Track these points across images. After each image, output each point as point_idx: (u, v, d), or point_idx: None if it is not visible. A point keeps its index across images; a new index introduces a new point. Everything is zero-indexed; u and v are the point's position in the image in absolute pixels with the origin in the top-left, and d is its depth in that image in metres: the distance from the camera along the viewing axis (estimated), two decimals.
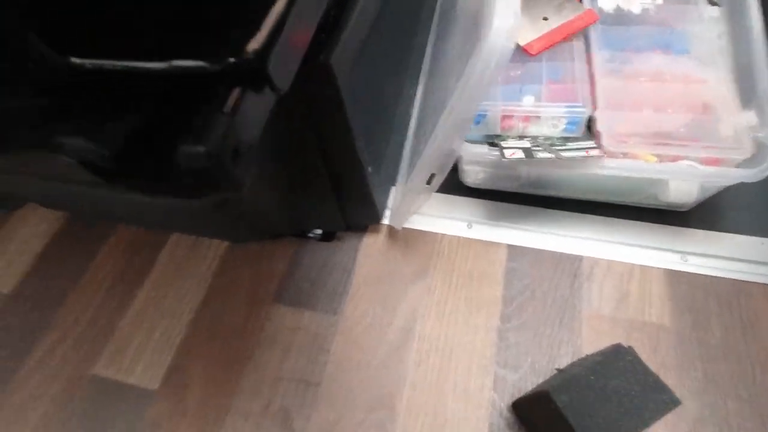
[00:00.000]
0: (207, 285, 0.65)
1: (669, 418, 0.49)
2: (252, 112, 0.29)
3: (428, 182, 0.53)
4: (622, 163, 0.50)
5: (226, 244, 0.68)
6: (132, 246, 0.70)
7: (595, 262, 0.61)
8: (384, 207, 0.67)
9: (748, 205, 0.62)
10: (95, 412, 0.56)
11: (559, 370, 0.45)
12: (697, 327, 0.55)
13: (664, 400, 0.37)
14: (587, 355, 0.46)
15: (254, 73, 0.28)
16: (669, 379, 0.52)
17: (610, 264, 0.60)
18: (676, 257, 0.60)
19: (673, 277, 0.59)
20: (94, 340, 0.62)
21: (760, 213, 0.61)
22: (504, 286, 0.60)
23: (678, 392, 0.51)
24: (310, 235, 0.68)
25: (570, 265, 0.61)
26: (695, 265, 0.59)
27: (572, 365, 0.45)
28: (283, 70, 0.31)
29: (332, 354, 0.57)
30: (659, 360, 0.53)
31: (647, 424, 0.36)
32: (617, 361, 0.39)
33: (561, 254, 0.62)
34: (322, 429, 0.52)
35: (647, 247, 0.61)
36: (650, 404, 0.37)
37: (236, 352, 0.59)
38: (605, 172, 0.50)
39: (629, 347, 0.40)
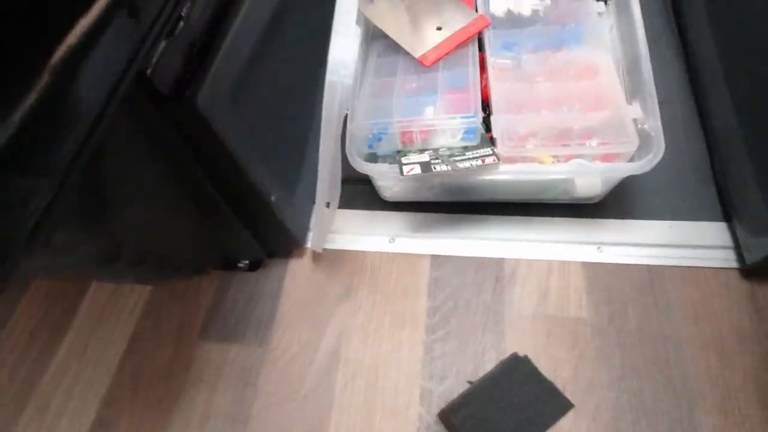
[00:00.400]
0: (131, 329, 0.63)
1: (589, 409, 0.50)
2: None
3: (327, 206, 0.52)
4: (517, 168, 0.51)
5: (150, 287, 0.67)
6: (52, 294, 0.67)
7: (516, 263, 0.62)
8: (307, 230, 0.66)
9: (655, 191, 0.63)
10: None
11: (470, 383, 0.45)
12: (615, 316, 0.57)
13: (558, 406, 0.37)
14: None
15: None
16: (587, 371, 0.53)
17: (531, 263, 0.61)
18: (592, 249, 0.61)
19: (590, 269, 0.60)
20: (14, 399, 0.59)
21: (666, 197, 0.63)
22: (428, 297, 0.60)
23: (596, 382, 0.52)
24: (240, 265, 0.67)
25: (492, 269, 0.61)
26: (610, 255, 0.60)
27: (479, 379, 0.45)
28: None
29: (259, 388, 0.56)
30: (577, 353, 0.54)
31: (543, 429, 0.37)
32: (514, 372, 0.39)
33: (483, 258, 0.62)
34: None
35: (565, 242, 0.62)
36: (546, 411, 0.37)
37: (162, 395, 0.57)
38: (502, 177, 0.51)
39: (525, 356, 0.40)
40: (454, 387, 0.54)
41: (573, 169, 0.50)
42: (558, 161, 0.52)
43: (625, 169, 0.50)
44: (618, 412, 0.51)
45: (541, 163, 0.52)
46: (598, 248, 0.61)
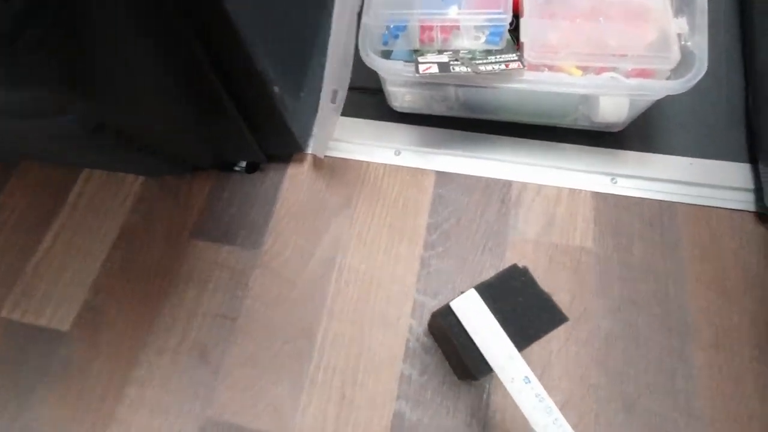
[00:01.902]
0: (121, 222, 0.61)
1: (581, 335, 0.50)
2: None
3: (333, 100, 0.48)
4: (541, 77, 0.47)
5: (141, 179, 0.64)
6: (39, 183, 0.65)
7: (524, 186, 0.59)
8: (309, 135, 0.63)
9: (681, 125, 0.60)
10: (5, 355, 0.54)
11: (462, 293, 0.44)
12: (620, 248, 0.55)
13: (553, 318, 0.36)
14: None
15: None
16: (585, 299, 0.52)
17: (540, 188, 0.59)
18: (606, 179, 0.58)
19: (601, 199, 0.58)
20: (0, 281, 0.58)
21: (691, 132, 0.59)
22: (430, 213, 0.58)
23: (592, 310, 0.51)
24: (236, 168, 0.63)
25: (499, 191, 0.59)
26: (624, 187, 0.58)
27: (474, 285, 0.44)
28: None
29: (251, 288, 0.55)
30: (577, 281, 0.53)
31: (534, 339, 0.36)
32: (511, 280, 0.38)
33: (490, 179, 0.60)
34: (239, 361, 0.52)
35: (578, 170, 0.59)
36: (540, 320, 0.36)
37: (151, 289, 0.56)
38: (524, 86, 0.46)
39: (524, 267, 0.39)
40: (446, 302, 0.53)
41: (603, 83, 0.46)
42: (586, 74, 0.48)
43: (661, 87, 0.46)
44: (610, 340, 0.51)
45: (569, 75, 0.48)
46: (612, 179, 0.58)
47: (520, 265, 0.39)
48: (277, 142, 0.58)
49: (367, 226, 0.58)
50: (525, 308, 0.36)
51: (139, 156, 0.54)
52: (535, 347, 0.39)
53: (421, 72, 0.46)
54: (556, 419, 0.35)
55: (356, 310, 0.53)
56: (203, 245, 0.58)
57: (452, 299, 0.39)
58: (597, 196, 0.58)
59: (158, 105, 0.46)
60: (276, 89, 0.49)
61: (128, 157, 0.58)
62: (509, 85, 0.47)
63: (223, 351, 0.52)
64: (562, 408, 0.47)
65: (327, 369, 0.51)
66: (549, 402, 0.35)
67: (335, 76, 0.46)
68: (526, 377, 0.36)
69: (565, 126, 0.60)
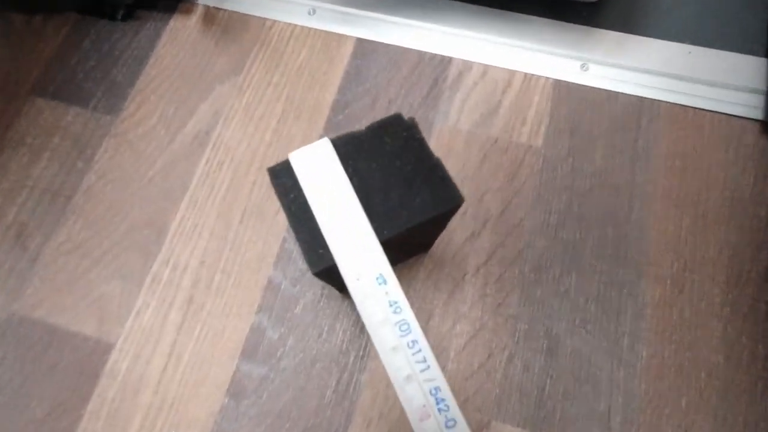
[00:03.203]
0: None
1: (508, 255, 0.38)
2: None
3: None
4: None
5: None
6: None
7: (466, 65, 0.45)
8: None
9: (680, 1, 0.45)
10: None
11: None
12: (576, 152, 0.42)
13: (442, 197, 0.24)
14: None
15: None
16: (519, 209, 0.40)
17: (487, 70, 0.45)
18: (575, 65, 0.45)
19: (564, 89, 0.44)
20: None
21: (692, 11, 0.45)
22: (340, 89, 0.45)
23: (526, 224, 0.40)
24: (105, 10, 0.49)
25: (434, 69, 0.45)
26: (596, 76, 0.44)
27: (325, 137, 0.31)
28: None
29: (96, 162, 0.43)
30: (514, 188, 0.41)
31: (407, 224, 0.24)
32: (388, 136, 0.25)
33: (425, 53, 0.46)
34: (65, 249, 0.40)
35: (539, 51, 0.45)
36: (422, 200, 0.24)
37: None
38: None
39: (411, 119, 0.26)
40: None
41: None
42: None
43: None
44: (543, 262, 0.39)
45: None
46: (583, 65, 0.44)
47: (406, 118, 0.26)
48: None
49: (258, 98, 0.45)
50: (401, 177, 0.24)
51: None
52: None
53: None
54: (414, 341, 0.24)
55: (225, 198, 0.41)
56: (45, 104, 0.45)
57: None
58: (559, 85, 0.44)
59: None
60: None
61: None
62: None
63: (47, 235, 0.41)
64: (466, 343, 0.37)
65: (176, 267, 0.39)
66: (408, 315, 0.24)
67: None
68: (381, 276, 0.24)
69: None
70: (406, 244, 0.30)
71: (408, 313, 0.23)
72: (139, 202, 0.41)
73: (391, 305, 0.23)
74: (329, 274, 0.26)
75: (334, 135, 0.43)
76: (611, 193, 0.41)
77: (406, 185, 0.25)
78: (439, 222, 0.27)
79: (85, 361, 0.37)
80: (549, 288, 0.38)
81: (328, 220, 0.24)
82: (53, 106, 0.45)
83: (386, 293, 0.24)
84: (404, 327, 0.23)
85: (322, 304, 0.38)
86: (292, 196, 0.25)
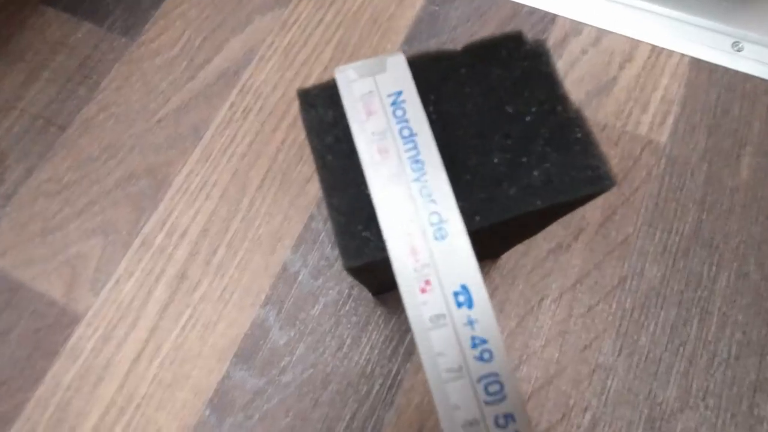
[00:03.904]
0: None
1: (606, 280, 0.28)
2: None
3: None
4: None
5: None
6: None
7: (575, 27, 0.35)
8: None
9: None
10: None
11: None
12: (714, 155, 0.31)
13: (584, 169, 0.14)
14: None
15: None
16: (629, 224, 0.30)
17: (601, 35, 0.34)
18: (725, 42, 0.33)
19: (704, 72, 0.33)
20: None
21: None
22: (406, 39, 0.35)
23: (640, 250, 0.29)
24: None
25: (531, 26, 0.35)
26: (751, 60, 0.33)
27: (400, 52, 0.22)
28: None
29: (101, 91, 0.35)
30: (625, 192, 0.30)
31: (536, 203, 0.14)
32: (496, 62, 0.16)
33: (522, 6, 0.35)
34: (45, 191, 0.33)
35: (678, 19, 0.34)
36: (550, 168, 0.15)
37: None
38: None
39: (538, 41, 0.16)
40: None
41: None
42: None
43: None
44: (653, 299, 0.28)
45: None
46: (735, 44, 0.33)
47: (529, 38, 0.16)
48: None
49: (303, 39, 0.36)
50: (514, 132, 0.14)
51: None
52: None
53: None
54: (507, 415, 0.14)
55: (245, 155, 0.33)
56: (54, 16, 0.38)
57: None
58: (699, 65, 0.33)
59: None
60: None
61: None
62: None
63: (29, 170, 0.33)
64: (534, 392, 0.27)
65: (173, 232, 0.31)
66: (502, 371, 0.14)
67: None
68: (465, 289, 0.15)
69: None
70: (489, 240, 0.20)
71: (501, 366, 0.14)
72: (142, 145, 0.33)
73: (475, 345, 0.14)
74: (370, 272, 0.17)
75: None
76: (760, 218, 0.30)
77: (520, 145, 0.15)
78: (556, 213, 0.17)
79: (45, 333, 0.29)
80: (658, 336, 0.28)
81: (383, 187, 0.15)
82: (63, 19, 0.38)
83: (469, 323, 0.14)
84: (493, 387, 0.14)
85: (348, 307, 0.29)
86: (330, 138, 0.16)
